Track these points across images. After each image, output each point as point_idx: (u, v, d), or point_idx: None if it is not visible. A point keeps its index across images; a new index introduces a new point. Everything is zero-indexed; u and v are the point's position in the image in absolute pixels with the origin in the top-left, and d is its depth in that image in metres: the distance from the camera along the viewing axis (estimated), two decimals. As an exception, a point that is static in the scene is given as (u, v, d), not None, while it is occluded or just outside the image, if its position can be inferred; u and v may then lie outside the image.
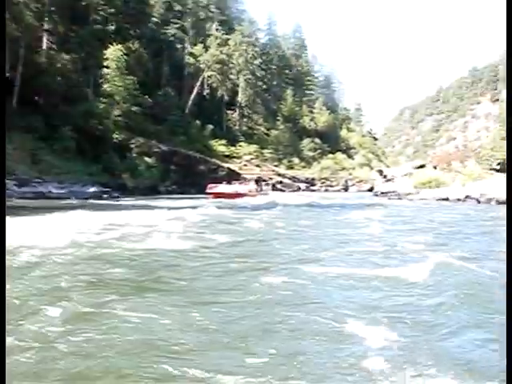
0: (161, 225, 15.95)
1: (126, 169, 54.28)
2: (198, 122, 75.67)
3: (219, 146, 77.43)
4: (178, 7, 78.83)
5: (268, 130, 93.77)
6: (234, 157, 78.30)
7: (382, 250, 11.71)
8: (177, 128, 71.03)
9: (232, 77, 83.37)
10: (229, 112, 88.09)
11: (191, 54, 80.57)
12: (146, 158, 61.10)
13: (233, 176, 69.65)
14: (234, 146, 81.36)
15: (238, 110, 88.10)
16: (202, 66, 76.66)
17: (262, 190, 55.46)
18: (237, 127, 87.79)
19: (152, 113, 71.26)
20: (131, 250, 10.93)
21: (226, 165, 69.05)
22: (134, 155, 60.14)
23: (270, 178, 75.98)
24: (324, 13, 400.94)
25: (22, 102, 49.22)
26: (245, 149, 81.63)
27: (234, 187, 49.57)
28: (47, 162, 43.21)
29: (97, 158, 52.64)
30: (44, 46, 55.98)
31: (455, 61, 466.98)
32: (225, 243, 12.71)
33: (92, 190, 36.88)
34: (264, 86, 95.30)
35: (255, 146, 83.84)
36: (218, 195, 44.95)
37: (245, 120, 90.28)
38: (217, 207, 25.25)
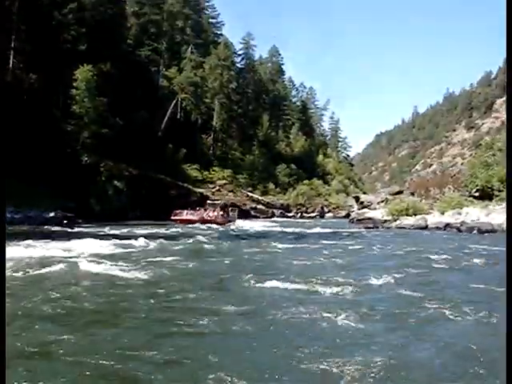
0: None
1: (93, 193, 52.13)
2: (170, 145, 73.96)
3: (192, 170, 75.82)
4: (152, 29, 77.49)
5: (243, 154, 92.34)
6: (208, 181, 76.67)
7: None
8: (149, 152, 69.15)
9: (207, 100, 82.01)
10: (203, 136, 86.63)
11: (165, 77, 79.28)
12: (116, 182, 59.11)
13: (205, 202, 68.01)
14: (208, 170, 79.75)
15: (212, 134, 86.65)
16: (175, 88, 75.17)
17: (228, 216, 53.37)
18: (211, 151, 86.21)
19: (123, 136, 69.52)
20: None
21: (198, 190, 67.32)
22: (103, 179, 58.12)
23: (244, 204, 74.31)
24: (300, 35, 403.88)
25: (-16, 122, 47.03)
26: (218, 174, 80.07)
27: (199, 214, 48.04)
28: (7, 186, 40.88)
29: (62, 181, 50.48)
30: (10, 65, 54.05)
31: (430, 85, 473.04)
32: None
33: (51, 215, 34.72)
34: (239, 111, 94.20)
35: (229, 170, 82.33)
36: (183, 221, 43.60)
37: (219, 144, 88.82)
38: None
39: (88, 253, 16.47)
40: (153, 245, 20.86)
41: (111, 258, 15.82)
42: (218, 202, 55.83)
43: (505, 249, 15.10)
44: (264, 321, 8.62)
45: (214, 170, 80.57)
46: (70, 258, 15.31)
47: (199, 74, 75.49)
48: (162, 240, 22.57)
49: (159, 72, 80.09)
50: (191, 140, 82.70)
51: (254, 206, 76.87)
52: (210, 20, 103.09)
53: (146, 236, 23.98)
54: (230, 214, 54.45)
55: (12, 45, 54.37)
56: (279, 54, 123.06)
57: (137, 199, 59.33)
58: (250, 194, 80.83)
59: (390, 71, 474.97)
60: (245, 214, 70.41)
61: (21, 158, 46.30)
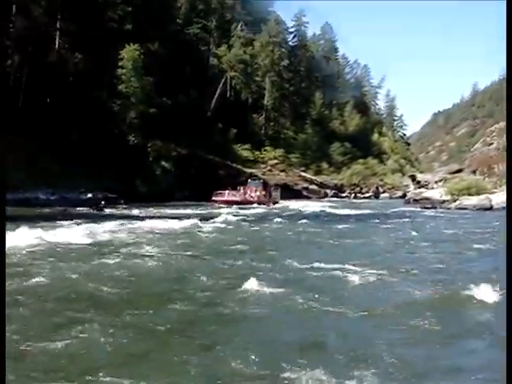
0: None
1: (140, 174, 50.32)
2: (220, 125, 71.68)
3: (243, 150, 73.29)
4: (201, 6, 74.86)
5: (295, 133, 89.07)
6: (259, 162, 74.01)
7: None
8: (198, 131, 67.03)
9: (257, 79, 79.04)
10: (254, 115, 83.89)
11: (215, 56, 76.75)
12: (163, 163, 57.35)
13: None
14: (259, 150, 77.04)
15: (263, 113, 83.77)
16: (224, 66, 72.57)
17: (270, 196, 50.12)
18: (262, 131, 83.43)
19: (172, 115, 67.59)
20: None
21: (248, 170, 64.72)
22: (151, 159, 56.38)
23: (296, 184, 71.39)
24: (356, 13, 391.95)
25: (28, 103, 45.85)
26: (270, 153, 77.23)
27: (241, 194, 45.48)
28: (45, 167, 39.49)
29: (108, 162, 48.89)
30: (56, 45, 52.59)
31: (491, 61, 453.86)
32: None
33: (89, 196, 32.88)
34: (291, 89, 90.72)
35: (281, 150, 79.33)
36: (224, 202, 40.93)
37: (271, 123, 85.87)
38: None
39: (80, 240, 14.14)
40: (181, 227, 18.47)
41: (131, 244, 13.63)
42: (260, 180, 52.42)
43: None
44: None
45: (265, 150, 77.84)
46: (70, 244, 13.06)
47: (249, 51, 72.48)
48: (195, 222, 20.12)
49: (209, 50, 77.61)
50: (242, 119, 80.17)
51: (306, 186, 73.81)
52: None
53: (180, 217, 21.60)
54: (273, 193, 51.03)
55: (57, 25, 52.83)
56: (332, 31, 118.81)
57: (185, 180, 57.38)
58: (303, 174, 77.75)
59: (450, 49, 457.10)
60: (296, 194, 67.62)
61: (66, 139, 44.94)
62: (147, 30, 66.07)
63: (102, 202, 32.30)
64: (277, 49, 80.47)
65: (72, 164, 43.98)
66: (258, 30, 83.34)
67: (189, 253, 12.62)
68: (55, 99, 48.55)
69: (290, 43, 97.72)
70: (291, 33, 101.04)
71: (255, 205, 41.62)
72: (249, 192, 46.05)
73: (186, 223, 19.28)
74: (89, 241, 13.47)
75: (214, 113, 72.87)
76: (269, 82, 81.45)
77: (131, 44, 56.12)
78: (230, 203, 40.29)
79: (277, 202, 47.62)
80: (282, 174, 73.96)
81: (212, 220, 21.64)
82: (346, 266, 11.08)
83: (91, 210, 24.17)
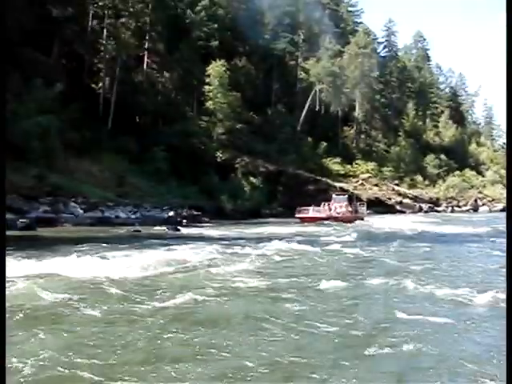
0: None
1: (226, 190, 48.91)
2: (310, 139, 69.46)
3: (333, 164, 70.55)
4: (288, 20, 73.28)
5: (388, 146, 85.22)
6: (350, 175, 70.98)
7: None
8: (287, 146, 65.12)
9: (347, 91, 76.21)
10: (345, 128, 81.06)
11: (303, 69, 74.86)
12: (251, 179, 55.75)
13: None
14: (351, 164, 74.01)
15: (354, 126, 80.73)
16: (312, 79, 70.41)
17: (356, 212, 45.87)
18: (353, 144, 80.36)
19: (261, 131, 66.22)
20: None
21: (338, 184, 61.95)
22: (239, 176, 54.98)
23: (389, 199, 67.72)
24: (448, 18, 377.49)
25: (117, 122, 45.70)
26: (362, 167, 73.98)
27: (325, 210, 41.87)
28: (133, 185, 38.85)
29: (194, 179, 47.94)
30: (144, 65, 52.53)
31: None
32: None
33: (170, 214, 31.56)
34: (383, 100, 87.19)
35: (373, 163, 75.86)
36: (308, 220, 37.86)
37: (362, 136, 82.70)
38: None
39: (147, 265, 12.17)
40: (273, 249, 16.25)
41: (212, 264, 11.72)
42: (344, 194, 48.39)
43: None
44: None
45: (356, 164, 74.70)
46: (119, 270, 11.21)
47: (337, 63, 69.91)
48: (286, 245, 17.61)
49: (297, 64, 75.87)
50: (332, 133, 77.71)
51: (399, 200, 69.90)
52: (349, 8, 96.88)
53: (265, 237, 19.38)
54: (359, 209, 46.70)
55: (146, 45, 52.81)
56: (424, 39, 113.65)
57: (273, 196, 55.64)
58: (396, 188, 73.86)
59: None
60: (389, 209, 64.05)
61: (154, 157, 44.31)
62: (234, 46, 65.43)
63: (184, 221, 30.95)
64: (366, 60, 77.27)
65: (160, 182, 43.30)
66: (347, 42, 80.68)
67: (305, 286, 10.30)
68: (143, 118, 48.23)
69: (380, 54, 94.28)
70: (381, 43, 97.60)
71: (341, 222, 38.45)
72: (334, 208, 42.67)
73: (278, 246, 16.88)
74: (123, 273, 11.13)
75: (303, 127, 70.79)
76: (359, 94, 78.31)
77: (217, 60, 55.22)
78: (314, 220, 37.31)
79: (362, 219, 43.62)
80: (375, 188, 70.53)
81: (297, 240, 19.26)
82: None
83: (167, 230, 22.53)
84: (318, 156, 69.37)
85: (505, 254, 14.90)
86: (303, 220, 38.24)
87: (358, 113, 79.68)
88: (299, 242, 18.11)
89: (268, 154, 61.27)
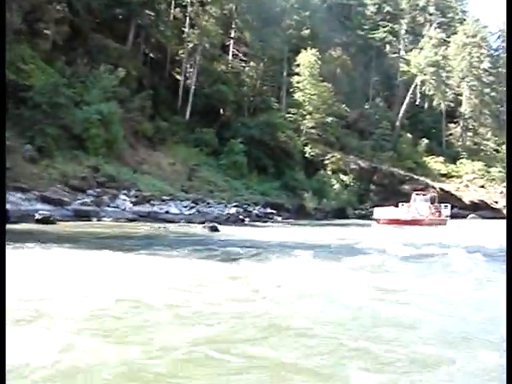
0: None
1: (311, 188, 44.29)
2: (409, 135, 63.07)
3: (435, 163, 63.56)
4: (388, 8, 67.13)
5: (498, 145, 76.28)
6: (453, 176, 63.65)
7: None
8: (384, 143, 59.37)
9: (452, 83, 68.82)
10: (450, 125, 73.36)
11: (405, 61, 68.30)
12: (342, 176, 50.72)
13: (448, 199, 55.80)
14: (454, 163, 66.57)
15: (460, 123, 72.87)
16: (413, 71, 63.81)
17: (440, 215, 38.12)
18: (459, 142, 72.57)
19: (356, 126, 60.90)
20: None
21: (438, 184, 55.33)
22: (328, 172, 50.11)
23: (496, 202, 59.90)
24: None
25: (196, 113, 42.46)
26: (467, 167, 66.23)
27: (408, 211, 35.45)
28: (204, 179, 35.24)
29: (277, 174, 43.75)
30: (230, 55, 49.00)
31: None
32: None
33: (231, 211, 27.48)
34: (493, 94, 78.25)
35: (480, 163, 67.77)
36: (387, 222, 31.92)
37: (469, 134, 74.46)
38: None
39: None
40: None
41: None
42: (425, 194, 41.08)
43: None
44: None
45: (461, 163, 67.05)
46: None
47: (441, 53, 62.78)
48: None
49: (398, 56, 69.47)
50: (435, 130, 70.62)
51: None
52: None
53: (301, 246, 14.49)
54: (442, 210, 39.18)
55: (232, 34, 49.31)
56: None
57: (364, 195, 50.34)
58: (505, 190, 65.48)
59: None
60: (496, 213, 56.35)
61: (230, 150, 40.60)
62: (329, 37, 60.43)
63: (247, 219, 26.79)
64: (475, 50, 69.31)
65: (237, 176, 39.54)
66: (453, 32, 72.97)
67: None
68: (225, 109, 44.64)
69: (493, 45, 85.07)
70: (493, 33, 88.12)
71: (424, 226, 32.28)
72: (415, 210, 36.31)
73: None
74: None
75: (402, 122, 64.50)
76: (466, 88, 70.50)
77: (308, 49, 50.61)
78: (394, 223, 31.53)
79: (445, 223, 36.49)
80: (481, 189, 62.84)
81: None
82: None
83: (206, 230, 18.43)
84: (417, 154, 62.87)
85: None
86: (382, 222, 32.57)
87: (464, 108, 71.72)
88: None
89: (362, 151, 56.02)
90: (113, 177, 27.29)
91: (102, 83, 31.41)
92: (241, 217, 26.72)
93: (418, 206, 35.95)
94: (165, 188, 29.40)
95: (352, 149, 55.30)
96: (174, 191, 29.68)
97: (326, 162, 50.68)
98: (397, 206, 36.31)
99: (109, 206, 23.77)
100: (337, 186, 49.40)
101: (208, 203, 29.13)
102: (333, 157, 51.17)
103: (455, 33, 73.11)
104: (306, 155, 49.19)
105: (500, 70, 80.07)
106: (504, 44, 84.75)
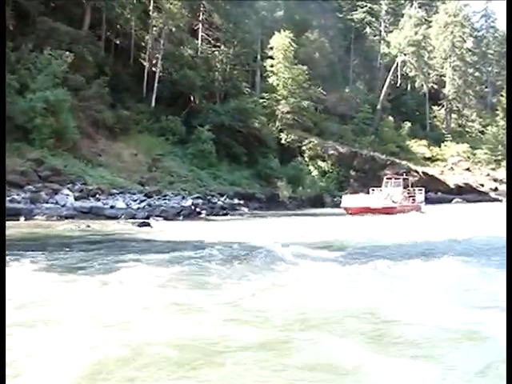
0: None
1: (285, 175, 41.92)
2: (391, 119, 60.72)
3: (419, 146, 61.27)
4: (366, -12, 64.59)
5: (483, 126, 74.00)
6: (437, 159, 61.39)
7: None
8: (365, 127, 57.08)
9: (435, 64, 66.44)
10: (434, 108, 70.96)
11: (386, 43, 65.82)
12: (320, 162, 48.40)
13: (432, 183, 53.59)
14: (439, 146, 64.27)
15: (444, 104, 70.48)
16: (392, 51, 61.34)
17: (414, 201, 34.69)
18: (443, 125, 70.31)
19: (336, 110, 58.41)
20: None
21: (420, 168, 53.09)
22: (306, 159, 47.79)
23: (482, 185, 57.70)
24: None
25: (162, 101, 39.92)
26: (451, 149, 63.95)
27: (379, 198, 31.99)
28: (166, 169, 32.78)
29: (250, 163, 41.35)
30: (199, 39, 46.38)
31: None
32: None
33: (187, 203, 25.05)
34: (477, 75, 75.81)
35: (465, 145, 65.47)
36: (355, 211, 28.95)
37: (453, 116, 72.20)
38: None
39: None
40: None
41: None
42: (398, 178, 37.99)
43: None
44: None
45: (446, 146, 64.78)
46: None
47: (422, 31, 60.14)
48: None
49: (380, 38, 67.02)
50: (418, 112, 68.40)
51: (494, 186, 59.47)
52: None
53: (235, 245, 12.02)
54: (416, 195, 35.79)
55: (200, 17, 46.69)
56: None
57: (344, 182, 48.04)
58: (492, 173, 63.28)
59: None
60: (482, 196, 54.29)
61: (197, 138, 38.09)
62: (305, 20, 57.87)
63: (203, 211, 24.36)
64: (457, 29, 66.74)
65: (204, 166, 37.09)
66: (435, 12, 70.37)
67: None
68: (192, 96, 42.06)
69: (476, 24, 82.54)
70: (477, 12, 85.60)
71: (397, 214, 29.59)
72: (387, 196, 32.30)
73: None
74: None
75: (384, 105, 62.10)
76: (450, 68, 68.04)
77: (281, 31, 48.05)
78: (363, 211, 28.82)
79: (419, 209, 33.56)
80: (466, 172, 60.63)
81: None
82: None
83: (135, 227, 16.03)
84: (400, 137, 60.61)
85: None
86: (350, 211, 29.74)
87: (448, 89, 69.33)
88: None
89: (343, 136, 53.64)
90: (58, 170, 24.80)
91: (50, 69, 28.80)
92: (198, 209, 24.29)
93: (390, 191, 33.07)
94: (117, 180, 26.92)
95: (332, 134, 52.93)
96: (127, 184, 27.21)
97: (303, 148, 48.39)
98: (368, 193, 33.85)
99: (47, 203, 21.31)
100: (315, 172, 47.16)
101: (165, 196, 26.67)
102: (310, 142, 48.84)
103: (437, 12, 70.64)
104: (282, 142, 46.83)
105: (484, 49, 77.85)
106: (487, 23, 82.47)
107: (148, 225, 16.57)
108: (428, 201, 45.81)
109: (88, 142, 32.28)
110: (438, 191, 53.97)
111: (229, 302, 6.03)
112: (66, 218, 19.55)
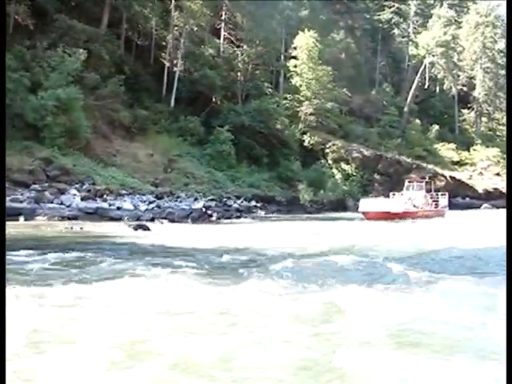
0: None
1: (306, 178, 40.58)
2: (419, 121, 58.81)
3: (446, 150, 59.07)
4: (395, -13, 62.76)
5: (515, 130, 71.54)
6: (466, 164, 59.17)
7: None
8: (391, 130, 55.32)
9: (464, 65, 64.25)
10: (464, 111, 68.65)
11: (414, 44, 63.85)
12: (344, 165, 46.90)
13: (460, 188, 51.64)
14: (468, 150, 62.03)
15: (474, 107, 68.13)
16: (421, 53, 59.39)
17: (437, 206, 33.17)
18: (473, 128, 67.94)
19: (362, 112, 56.82)
20: None
21: (448, 173, 51.11)
22: (329, 162, 46.37)
23: (513, 190, 55.23)
24: None
25: (181, 101, 39.01)
26: (481, 154, 61.58)
27: (399, 202, 30.13)
28: (182, 170, 31.75)
29: (271, 165, 40.13)
30: (221, 38, 45.36)
31: None
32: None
33: (197, 206, 23.88)
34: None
35: (496, 149, 63.02)
36: (374, 216, 27.15)
37: (484, 119, 69.78)
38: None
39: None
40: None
41: None
42: (421, 182, 35.82)
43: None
44: None
45: (475, 150, 62.45)
46: None
47: (451, 32, 58.02)
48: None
49: (408, 39, 65.07)
50: (447, 115, 66.17)
51: (526, 191, 56.99)
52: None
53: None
54: (440, 199, 34.00)
55: (222, 17, 45.67)
56: None
57: (367, 185, 46.45)
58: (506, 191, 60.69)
59: None
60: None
61: (216, 139, 37.03)
62: (330, 18, 56.47)
63: (214, 214, 23.19)
64: (489, 29, 64.45)
65: (223, 167, 35.99)
66: (465, 12, 68.08)
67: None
68: (213, 96, 40.98)
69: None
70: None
71: (418, 219, 27.89)
72: (408, 200, 30.57)
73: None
74: None
75: (411, 108, 60.18)
76: (480, 70, 65.72)
77: (305, 30, 46.71)
78: (383, 216, 27.09)
79: (443, 215, 31.96)
80: (496, 177, 58.26)
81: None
82: None
83: (131, 230, 14.89)
84: (428, 141, 58.58)
85: None
86: (368, 216, 28.08)
87: (478, 92, 66.95)
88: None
89: (368, 139, 51.98)
90: (67, 170, 23.95)
91: (63, 67, 28.03)
92: (209, 212, 23.14)
93: (412, 195, 31.30)
94: (128, 181, 25.96)
95: (357, 136, 51.32)
96: (139, 184, 26.22)
97: (327, 150, 46.93)
98: (388, 197, 32.21)
99: (51, 203, 20.42)
100: (338, 176, 45.66)
101: (178, 197, 25.60)
102: (334, 145, 47.37)
103: (467, 12, 68.36)
104: (305, 144, 45.49)
105: (516, 51, 75.01)
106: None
107: (145, 228, 15.45)
108: (455, 206, 43.95)
109: (103, 141, 31.52)
110: (466, 196, 52.00)
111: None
112: (69, 218, 18.60)
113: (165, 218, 19.59)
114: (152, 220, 18.60)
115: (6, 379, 3.45)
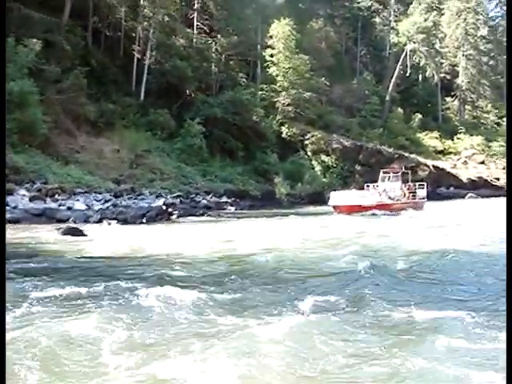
0: None
1: (284, 171, 38.99)
2: (401, 110, 57.34)
3: (430, 139, 57.73)
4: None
5: (499, 118, 70.07)
6: (450, 152, 57.85)
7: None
8: (374, 119, 53.84)
9: (447, 52, 62.76)
10: (447, 99, 67.23)
11: (395, 31, 62.26)
12: (323, 157, 45.36)
13: (444, 177, 50.35)
14: (452, 139, 60.63)
15: (457, 95, 66.71)
16: (401, 39, 57.84)
17: (415, 197, 30.47)
18: (457, 117, 66.55)
19: (342, 102, 55.18)
20: None
21: (431, 162, 49.69)
22: (308, 153, 44.83)
23: (497, 179, 53.98)
24: None
25: (152, 94, 37.24)
26: (465, 142, 60.25)
27: (371, 195, 28.09)
28: (149, 166, 30.05)
29: (246, 158, 38.51)
30: (194, 28, 43.57)
31: None
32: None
33: (157, 203, 22.22)
34: (492, 63, 71.75)
35: (480, 138, 61.69)
36: (345, 209, 25.64)
37: (467, 107, 68.38)
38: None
39: None
40: None
41: None
42: (396, 172, 33.98)
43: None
44: None
45: (459, 139, 61.09)
46: None
47: (432, 18, 56.38)
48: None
49: (390, 27, 63.50)
50: (430, 103, 64.71)
51: (510, 180, 55.68)
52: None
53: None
54: (418, 191, 31.44)
55: (195, 5, 43.86)
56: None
57: (348, 177, 44.94)
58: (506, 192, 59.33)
59: None
60: (497, 191, 50.58)
61: (187, 132, 35.35)
62: (308, 7, 54.78)
63: (175, 212, 21.55)
64: (471, 16, 62.91)
65: (195, 161, 34.35)
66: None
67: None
68: (184, 88, 39.20)
69: (491, 13, 78.32)
70: (491, 0, 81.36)
71: (394, 212, 26.27)
72: (382, 191, 28.45)
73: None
74: None
75: (393, 97, 58.70)
76: (463, 57, 64.21)
77: (282, 19, 44.97)
78: (354, 210, 25.32)
79: (421, 207, 30.13)
80: (480, 166, 56.99)
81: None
82: None
83: (58, 235, 13.17)
84: (411, 130, 57.18)
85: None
86: (339, 209, 26.47)
87: (461, 79, 65.50)
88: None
89: (349, 129, 50.51)
90: (18, 168, 22.18)
91: (18, 59, 26.20)
92: (170, 210, 21.49)
93: (387, 187, 29.55)
94: (85, 178, 24.22)
95: (337, 127, 49.79)
96: (99, 182, 24.50)
97: (306, 142, 45.37)
98: (362, 188, 30.58)
99: (-6, 205, 18.65)
100: (318, 168, 44.15)
101: (139, 195, 23.94)
102: (313, 136, 45.79)
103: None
104: (283, 136, 43.89)
105: (499, 37, 73.68)
106: (502, 11, 78.23)
107: (77, 232, 13.71)
108: (439, 196, 42.48)
109: (66, 137, 29.74)
110: (450, 186, 50.73)
111: None
112: (9, 222, 16.85)
113: (115, 219, 17.92)
114: (100, 221, 16.94)
115: None
